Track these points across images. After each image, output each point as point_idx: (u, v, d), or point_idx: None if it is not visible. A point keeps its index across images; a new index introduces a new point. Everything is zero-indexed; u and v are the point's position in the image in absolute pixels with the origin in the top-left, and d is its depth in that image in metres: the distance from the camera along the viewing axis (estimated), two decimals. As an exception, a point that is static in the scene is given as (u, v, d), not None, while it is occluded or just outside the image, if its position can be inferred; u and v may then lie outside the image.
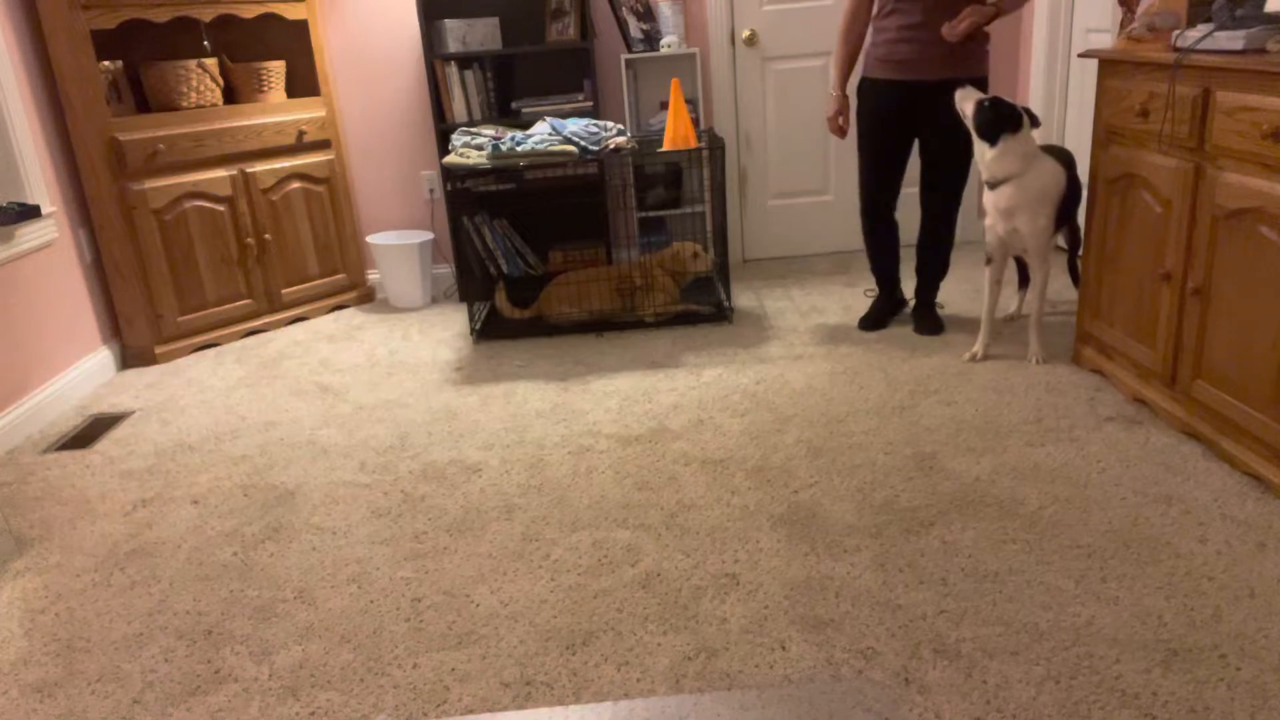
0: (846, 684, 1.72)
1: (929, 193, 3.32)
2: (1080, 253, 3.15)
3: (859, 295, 3.90)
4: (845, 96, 3.30)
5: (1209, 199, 2.30)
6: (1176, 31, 2.43)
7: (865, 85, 3.25)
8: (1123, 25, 2.73)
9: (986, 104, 2.81)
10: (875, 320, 3.52)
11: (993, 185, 2.89)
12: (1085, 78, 3.87)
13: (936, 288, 3.48)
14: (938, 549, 2.10)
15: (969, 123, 2.89)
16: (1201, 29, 2.31)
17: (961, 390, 2.91)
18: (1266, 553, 1.99)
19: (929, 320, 3.45)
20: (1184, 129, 2.36)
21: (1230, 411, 2.30)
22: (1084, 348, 3.00)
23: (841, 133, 3.33)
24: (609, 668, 1.81)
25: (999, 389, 2.89)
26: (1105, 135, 2.75)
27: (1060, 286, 3.80)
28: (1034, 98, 4.15)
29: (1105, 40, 3.65)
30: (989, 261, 3.06)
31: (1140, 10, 2.62)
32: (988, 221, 2.99)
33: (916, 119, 3.19)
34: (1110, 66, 2.70)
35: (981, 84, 3.09)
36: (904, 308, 3.58)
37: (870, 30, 3.23)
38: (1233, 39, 2.19)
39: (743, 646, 1.84)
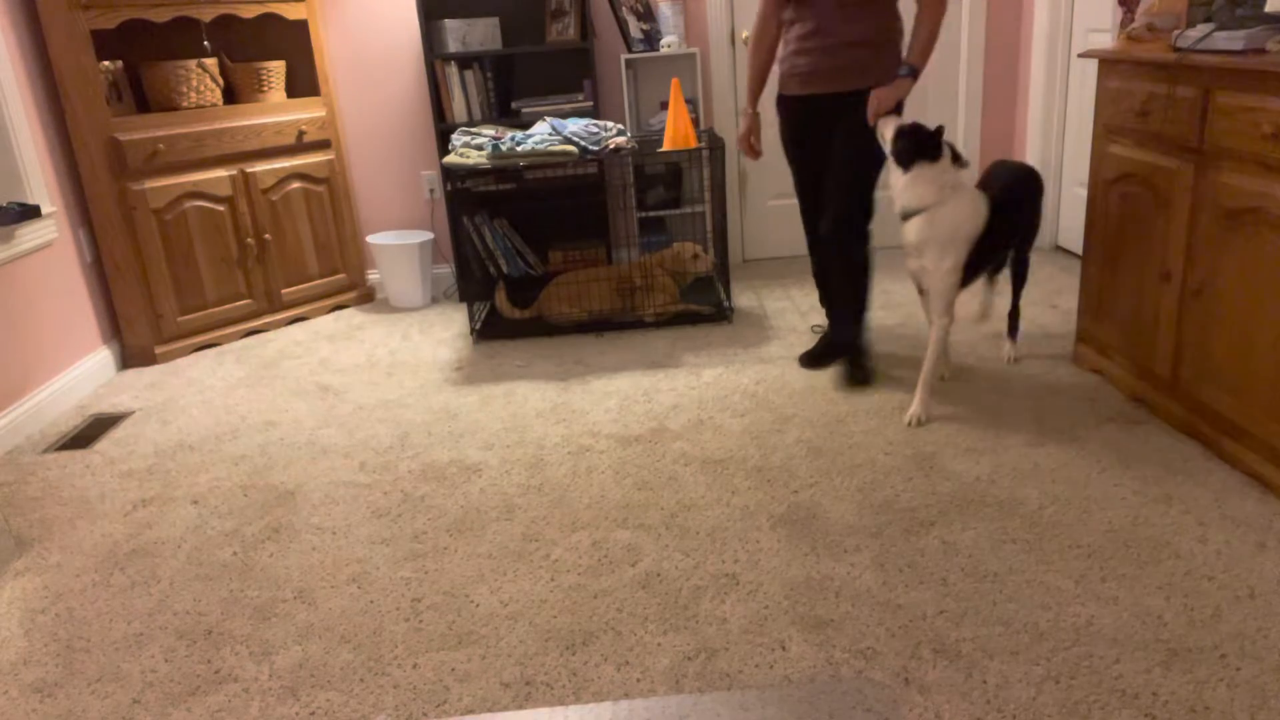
0: (846, 684, 1.72)
1: (826, 216, 2.94)
2: (1020, 297, 3.06)
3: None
4: (756, 114, 3.03)
5: (1209, 199, 2.30)
6: (1176, 31, 2.43)
7: (777, 102, 2.99)
8: (1123, 25, 2.73)
9: (907, 129, 2.60)
10: (816, 357, 3.15)
11: (904, 216, 2.66)
12: (1085, 78, 3.87)
13: (854, 326, 3.04)
14: (938, 549, 2.10)
15: (887, 148, 2.68)
16: (1201, 29, 2.31)
17: (961, 390, 2.91)
18: (1266, 553, 1.99)
19: (857, 367, 3.05)
20: (1184, 129, 2.36)
21: (1230, 411, 2.30)
22: (1084, 348, 3.00)
23: (753, 153, 3.07)
24: (609, 668, 1.81)
25: (999, 389, 2.89)
26: (1105, 135, 2.75)
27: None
28: (1034, 97, 4.15)
29: (1105, 40, 3.65)
30: (920, 293, 2.86)
31: (1140, 10, 2.62)
32: (909, 260, 2.76)
33: (830, 134, 2.89)
34: (1110, 66, 2.70)
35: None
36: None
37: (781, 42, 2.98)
38: (1233, 39, 2.19)
39: (743, 646, 1.84)
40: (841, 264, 2.97)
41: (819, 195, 2.97)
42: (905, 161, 2.58)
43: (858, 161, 2.83)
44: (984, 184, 2.80)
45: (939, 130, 2.58)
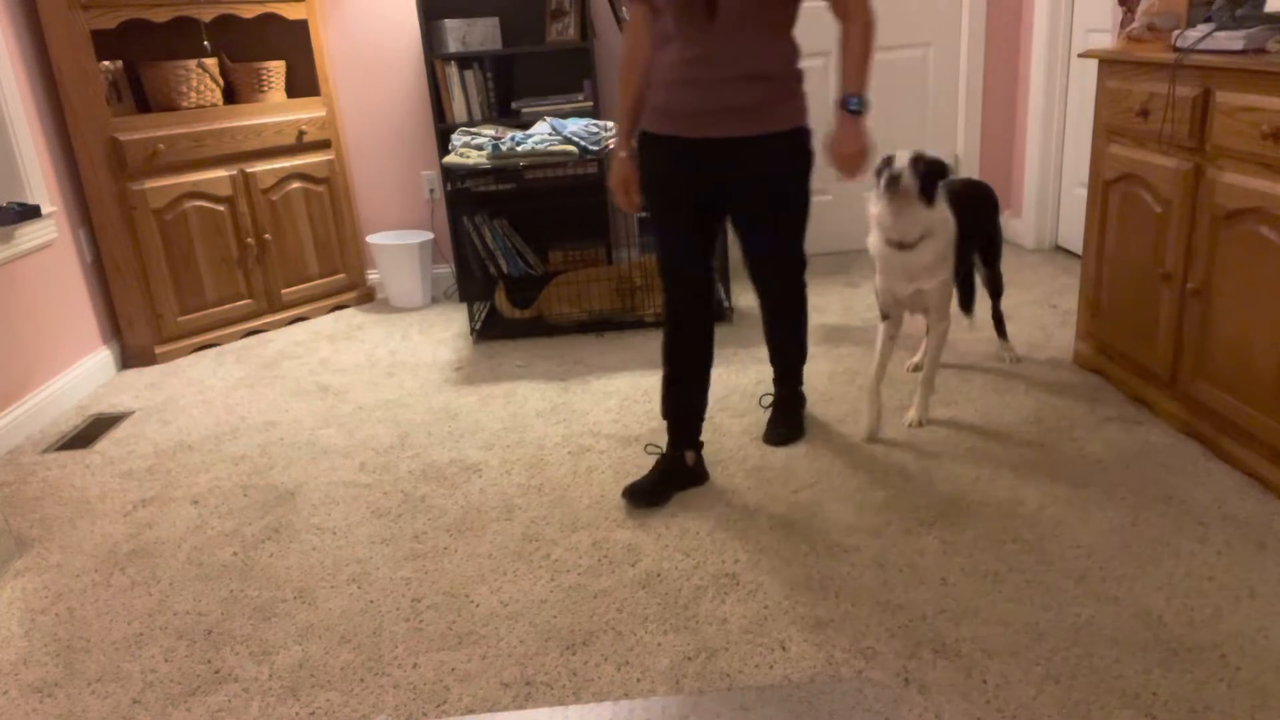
0: (846, 684, 1.72)
1: (758, 267, 2.49)
2: (999, 304, 3.10)
3: (859, 295, 3.90)
4: (630, 158, 2.35)
5: (1209, 199, 2.30)
6: (1176, 31, 2.43)
7: (643, 141, 2.32)
8: (1123, 25, 2.73)
9: (922, 163, 2.40)
10: (650, 491, 2.39)
11: (903, 247, 2.46)
12: (1085, 78, 3.87)
13: (797, 377, 2.75)
14: (938, 549, 2.10)
15: (900, 184, 2.37)
16: (1201, 29, 2.31)
17: (961, 390, 2.91)
18: (1266, 553, 1.99)
19: (787, 422, 2.71)
20: (1184, 129, 2.36)
21: (1230, 411, 2.30)
22: (1084, 347, 3.00)
23: (632, 206, 2.39)
24: (609, 668, 1.81)
25: (999, 389, 2.89)
26: (1105, 135, 2.75)
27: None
28: (1034, 97, 4.15)
29: (1105, 40, 3.65)
30: (885, 317, 2.64)
31: (1140, 10, 2.62)
32: (881, 282, 2.56)
33: (718, 184, 2.31)
34: (1110, 66, 2.70)
35: (800, 137, 2.30)
36: (701, 477, 2.49)
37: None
38: (1233, 39, 2.19)
39: (743, 646, 1.84)
40: (792, 305, 2.59)
41: (692, 247, 2.37)
42: (932, 193, 2.42)
43: (791, 206, 2.37)
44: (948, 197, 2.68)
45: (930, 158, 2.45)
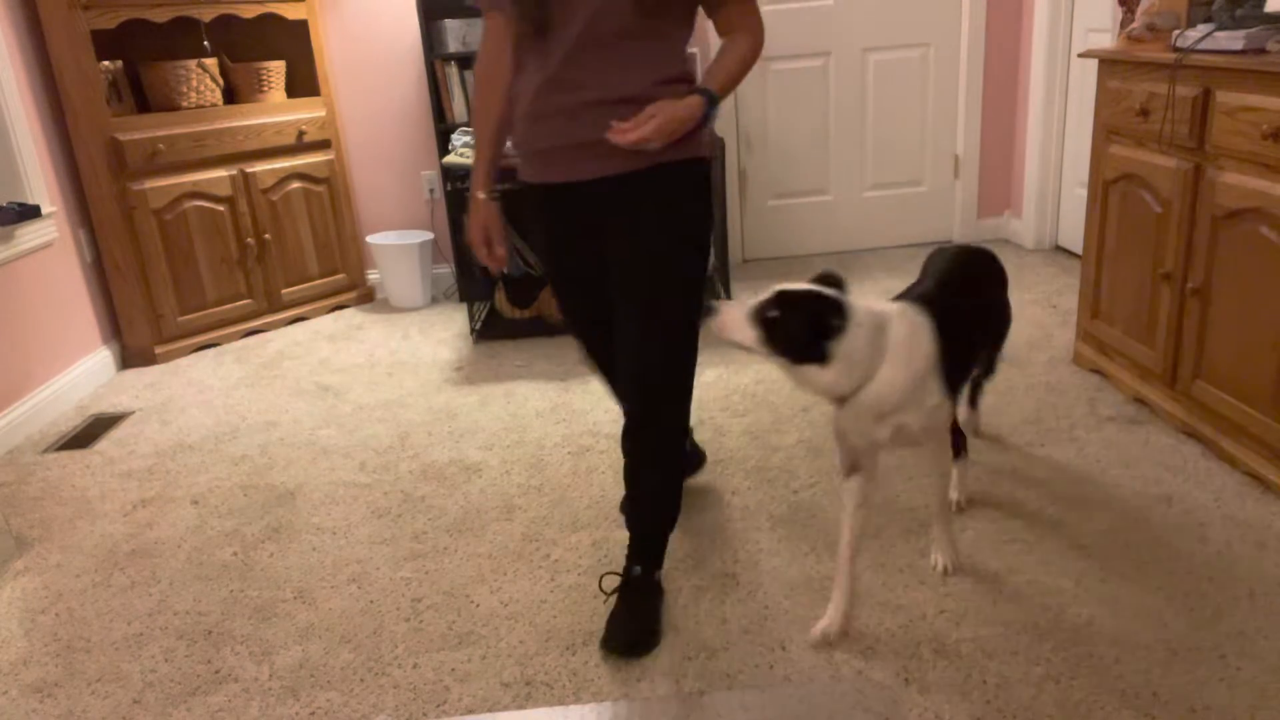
0: (846, 684, 1.72)
1: (624, 378, 1.87)
2: (988, 378, 2.52)
3: (859, 295, 3.88)
4: (491, 201, 1.88)
5: (1209, 199, 2.30)
6: (1176, 31, 2.43)
7: (524, 194, 1.90)
8: (1123, 25, 2.73)
9: (773, 315, 1.62)
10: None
11: (842, 399, 1.71)
12: (1085, 78, 3.87)
13: (656, 552, 1.98)
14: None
15: (760, 351, 1.65)
16: (1201, 29, 2.31)
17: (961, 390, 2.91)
18: (1266, 553, 1.99)
19: (636, 616, 1.90)
20: (1184, 129, 2.36)
21: (1230, 411, 2.30)
22: (1084, 347, 3.00)
23: (496, 260, 1.90)
24: (609, 668, 1.81)
25: (999, 389, 2.89)
26: (1105, 135, 2.75)
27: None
28: (1034, 97, 4.15)
29: (1105, 40, 3.65)
30: (849, 473, 1.86)
31: (1140, 10, 2.62)
32: (838, 423, 1.81)
33: (603, 236, 1.83)
34: (1110, 66, 2.70)
35: (692, 174, 1.80)
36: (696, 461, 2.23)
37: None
38: (1233, 39, 2.19)
39: (743, 646, 1.84)
40: (662, 444, 1.89)
41: (609, 328, 1.88)
42: (818, 352, 1.63)
43: (673, 275, 1.79)
44: (926, 285, 1.97)
45: (828, 279, 1.72)
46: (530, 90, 1.74)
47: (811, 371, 1.65)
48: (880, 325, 1.69)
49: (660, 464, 1.90)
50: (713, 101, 1.71)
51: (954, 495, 2.26)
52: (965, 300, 1.98)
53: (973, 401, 2.56)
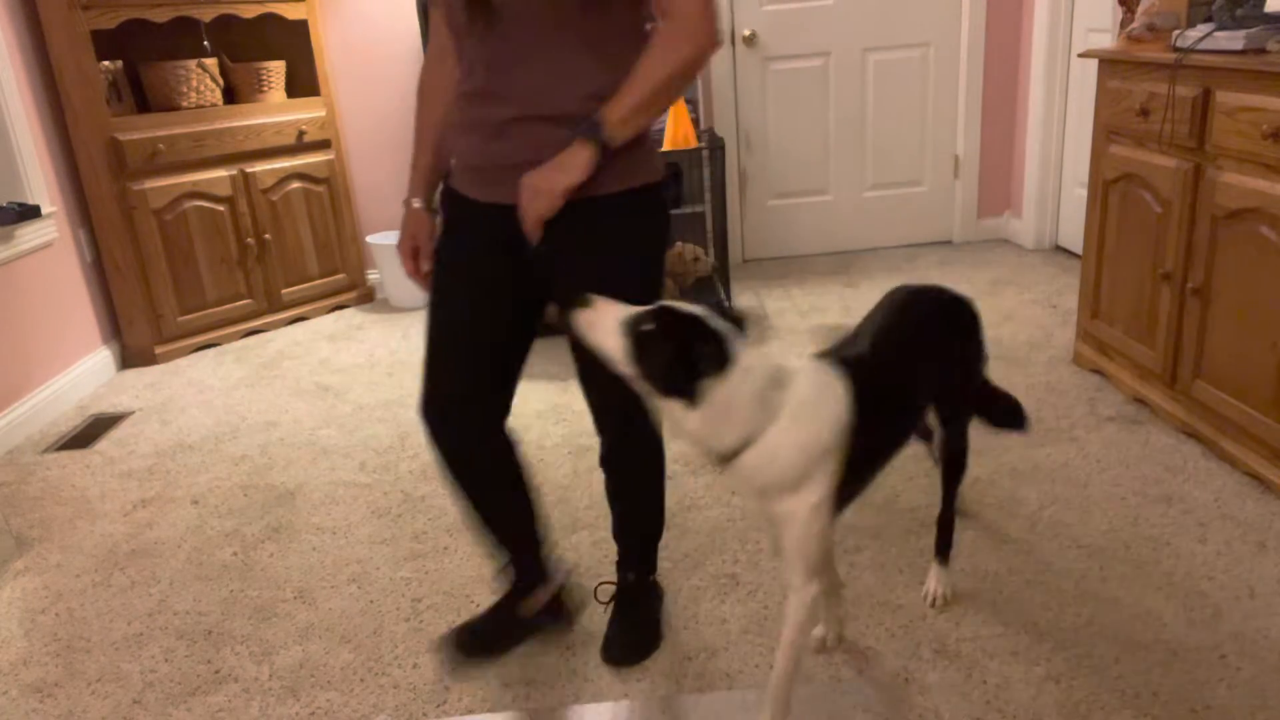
0: (846, 684, 1.72)
1: (585, 383, 1.81)
2: (955, 495, 1.92)
3: (859, 295, 3.90)
4: (425, 211, 1.70)
5: (1209, 199, 2.30)
6: (1176, 31, 2.43)
7: (443, 195, 1.68)
8: (1123, 25, 2.73)
9: (647, 329, 1.36)
10: (482, 640, 1.80)
11: (722, 460, 1.42)
12: (1085, 78, 3.87)
13: (648, 559, 1.92)
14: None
15: (622, 370, 1.40)
16: (1201, 29, 2.31)
17: (961, 390, 2.91)
18: (1266, 553, 1.99)
19: (634, 627, 1.87)
20: (1184, 129, 2.36)
21: (1230, 411, 2.30)
22: (1084, 347, 3.00)
23: (419, 276, 1.72)
24: (609, 668, 1.81)
25: (999, 389, 2.89)
26: (1105, 135, 2.75)
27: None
28: (1034, 97, 4.15)
29: (1105, 40, 3.65)
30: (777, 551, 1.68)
31: (1140, 10, 2.62)
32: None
33: (531, 270, 1.60)
34: (1110, 66, 2.70)
35: (642, 203, 1.55)
36: (563, 614, 1.89)
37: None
38: (1233, 39, 2.19)
39: (743, 646, 1.84)
40: (640, 464, 1.82)
41: (469, 347, 1.67)
42: (683, 386, 1.36)
43: (634, 269, 1.60)
44: (863, 341, 1.62)
45: (733, 316, 1.44)
46: (460, 99, 1.56)
47: (677, 410, 1.37)
48: (777, 380, 1.40)
49: (643, 480, 1.83)
50: (604, 147, 1.42)
51: (826, 636, 1.82)
52: (910, 365, 1.64)
53: (940, 547, 1.94)
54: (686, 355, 1.34)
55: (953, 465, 1.89)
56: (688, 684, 1.75)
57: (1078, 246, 4.10)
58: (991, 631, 1.82)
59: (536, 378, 3.28)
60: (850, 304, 3.79)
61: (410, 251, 1.71)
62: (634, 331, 1.36)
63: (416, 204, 1.70)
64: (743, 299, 3.97)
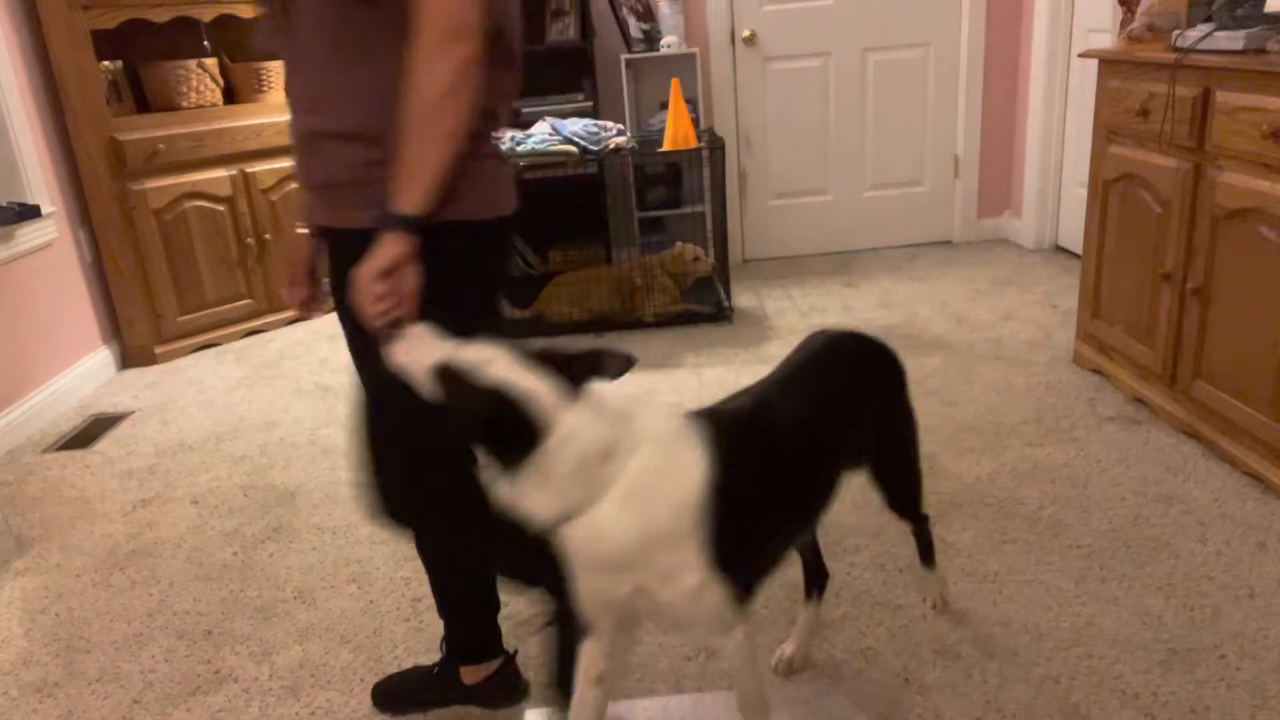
0: (846, 684, 1.72)
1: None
2: (928, 526, 1.84)
3: (859, 295, 3.90)
4: (302, 234, 1.53)
5: (1209, 199, 2.30)
6: (1176, 31, 2.43)
7: None
8: (1123, 25, 2.73)
9: (458, 379, 1.18)
10: (389, 695, 1.75)
11: (555, 523, 1.22)
12: (1085, 78, 3.87)
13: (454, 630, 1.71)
14: (938, 549, 2.09)
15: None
16: (1201, 29, 2.31)
17: (961, 390, 2.91)
18: (1266, 553, 1.99)
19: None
20: (1184, 129, 2.36)
21: (1230, 411, 2.30)
22: (1084, 347, 3.00)
23: (293, 302, 1.58)
24: (609, 668, 1.81)
25: (999, 389, 2.89)
26: (1105, 135, 2.75)
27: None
28: (1034, 97, 4.15)
29: (1105, 40, 3.65)
30: (590, 636, 1.39)
31: (1140, 10, 2.62)
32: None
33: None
34: (1110, 66, 2.70)
35: (442, 233, 1.29)
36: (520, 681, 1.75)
37: None
38: (1233, 39, 2.19)
39: (743, 646, 1.84)
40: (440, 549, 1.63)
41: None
42: (503, 445, 1.18)
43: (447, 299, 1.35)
44: (772, 382, 1.48)
45: (590, 361, 1.25)
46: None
47: (492, 465, 1.20)
48: (610, 450, 1.19)
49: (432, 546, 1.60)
50: (410, 226, 1.23)
51: (794, 657, 1.75)
52: (814, 421, 1.43)
53: (923, 556, 1.87)
54: (489, 414, 1.16)
55: (916, 528, 1.83)
56: (688, 684, 1.75)
57: (1078, 246, 4.10)
58: (991, 631, 1.82)
59: (536, 378, 3.28)
60: (850, 304, 3.79)
61: (286, 277, 1.56)
62: (445, 374, 1.18)
63: (299, 227, 1.52)
64: (743, 299, 3.97)
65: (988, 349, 3.22)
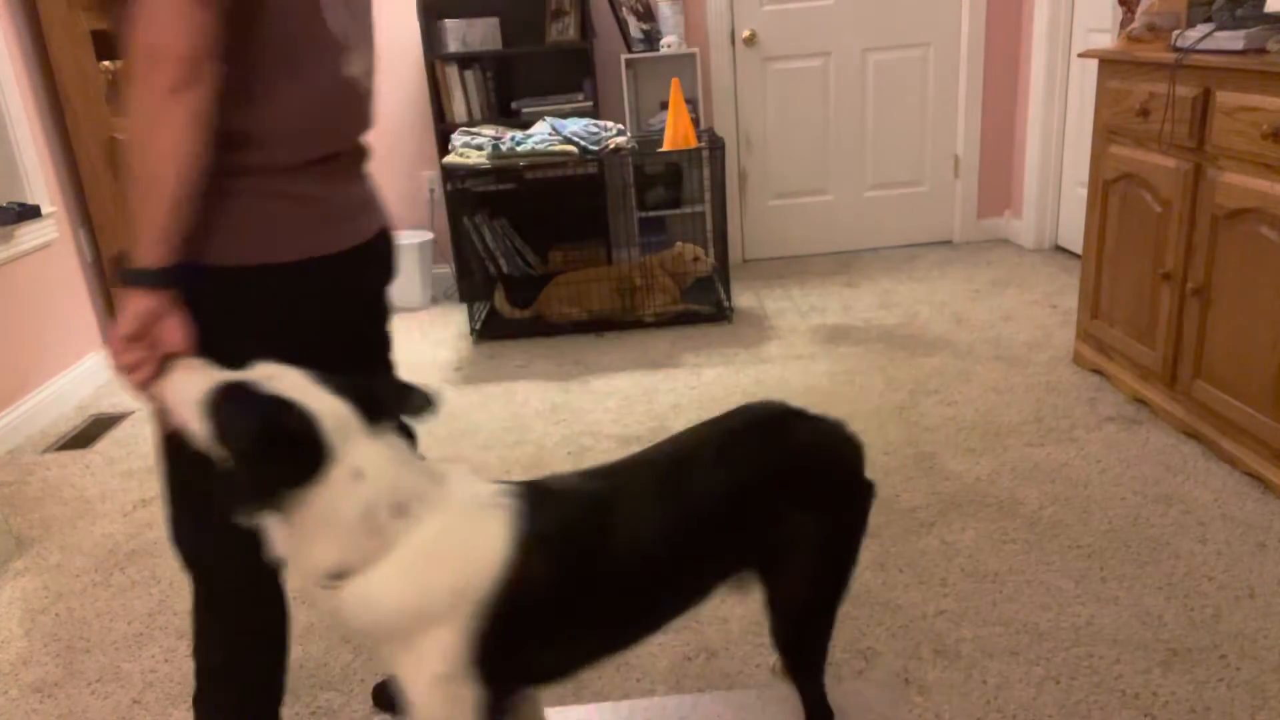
0: (846, 684, 1.72)
1: None
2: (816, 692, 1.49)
3: (859, 295, 3.90)
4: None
5: (1209, 199, 2.30)
6: (1176, 31, 2.43)
7: None
8: (1123, 25, 2.73)
9: (235, 411, 1.05)
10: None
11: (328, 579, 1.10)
12: (1085, 78, 3.87)
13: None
14: (938, 549, 2.10)
15: (212, 450, 1.07)
16: (1201, 29, 2.31)
17: (961, 390, 2.91)
18: (1266, 553, 1.99)
19: None
20: (1184, 129, 2.36)
21: (1230, 411, 2.30)
22: (1084, 347, 3.00)
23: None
24: (609, 668, 1.81)
25: (999, 389, 2.89)
26: (1105, 135, 2.75)
27: None
28: (1034, 97, 4.15)
29: (1105, 40, 3.65)
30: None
31: (1140, 10, 2.62)
32: None
33: None
34: (1110, 66, 2.70)
35: (209, 279, 1.17)
36: None
37: None
38: (1233, 39, 2.19)
39: (743, 646, 1.84)
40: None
41: None
42: (261, 488, 1.05)
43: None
44: (646, 459, 1.30)
45: (361, 385, 1.11)
46: None
47: (263, 514, 1.07)
48: (408, 499, 1.08)
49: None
50: (149, 280, 1.10)
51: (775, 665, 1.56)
52: (687, 520, 1.20)
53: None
54: (266, 439, 1.03)
55: (799, 675, 1.45)
56: (688, 684, 1.75)
57: (1078, 246, 4.10)
58: (991, 631, 1.82)
59: (536, 378, 3.28)
60: (850, 304, 3.79)
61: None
62: (216, 408, 1.05)
63: None
64: (743, 299, 3.97)
65: (987, 349, 3.22)
